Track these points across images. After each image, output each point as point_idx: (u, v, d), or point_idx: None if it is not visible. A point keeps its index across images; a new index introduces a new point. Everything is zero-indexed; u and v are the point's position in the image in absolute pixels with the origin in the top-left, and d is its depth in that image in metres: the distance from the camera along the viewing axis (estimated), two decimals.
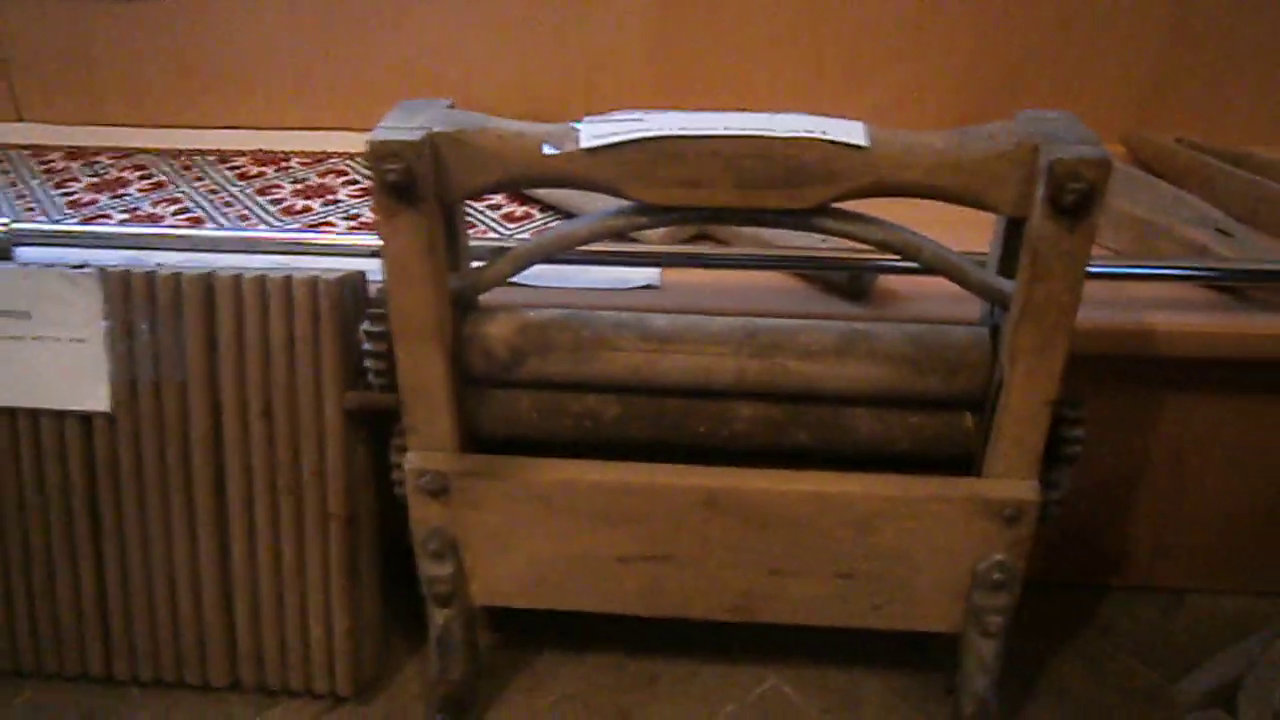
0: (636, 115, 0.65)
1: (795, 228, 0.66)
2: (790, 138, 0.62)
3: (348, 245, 0.86)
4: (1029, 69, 1.16)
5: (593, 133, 0.64)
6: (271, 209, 1.03)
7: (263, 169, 1.13)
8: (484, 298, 0.76)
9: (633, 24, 1.17)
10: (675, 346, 0.72)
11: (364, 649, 0.87)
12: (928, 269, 0.68)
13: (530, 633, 0.92)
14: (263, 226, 0.99)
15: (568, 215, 1.00)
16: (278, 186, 1.09)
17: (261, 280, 0.78)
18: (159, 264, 0.81)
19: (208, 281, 0.79)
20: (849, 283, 0.83)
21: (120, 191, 1.08)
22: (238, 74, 1.23)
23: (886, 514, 0.73)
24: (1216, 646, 0.86)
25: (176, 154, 1.17)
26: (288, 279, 0.78)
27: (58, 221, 1.00)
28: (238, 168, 1.14)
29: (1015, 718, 0.86)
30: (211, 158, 1.17)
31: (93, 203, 1.05)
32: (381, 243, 0.67)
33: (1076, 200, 0.60)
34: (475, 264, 0.75)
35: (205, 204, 1.04)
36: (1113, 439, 0.90)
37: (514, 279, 0.84)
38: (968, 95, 1.15)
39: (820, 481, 0.73)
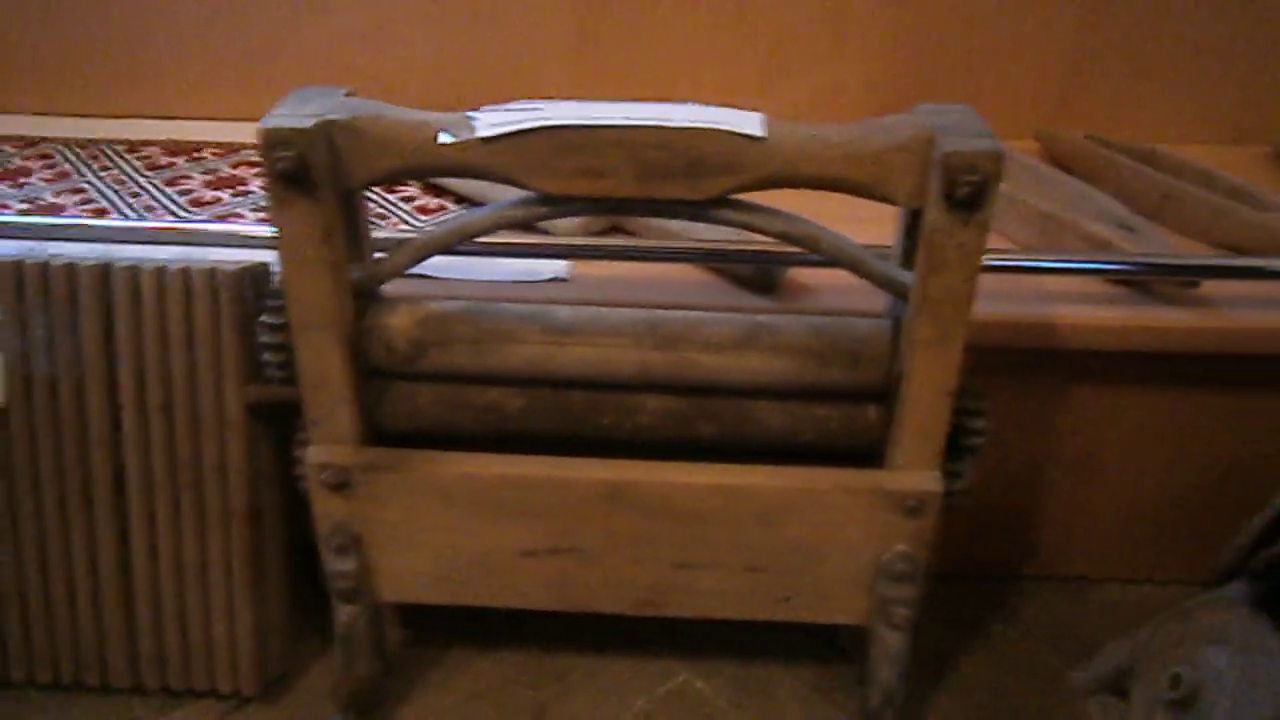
0: (535, 105, 0.64)
1: (696, 218, 0.66)
2: (690, 128, 0.62)
3: (251, 236, 0.84)
4: (945, 67, 1.17)
5: (490, 122, 0.63)
6: (180, 200, 1.01)
7: (173, 159, 1.11)
8: (390, 289, 0.75)
9: (556, 13, 1.17)
10: (577, 339, 0.72)
11: (269, 647, 0.85)
12: (827, 260, 0.68)
13: (441, 629, 0.91)
14: (168, 218, 0.96)
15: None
16: (187, 177, 1.06)
17: (159, 272, 0.76)
18: (53, 255, 0.78)
19: (104, 273, 0.77)
20: (758, 276, 0.83)
21: (22, 181, 1.05)
22: (151, 63, 1.20)
23: (791, 506, 0.73)
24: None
25: (84, 143, 1.14)
26: (185, 270, 0.76)
27: None
28: (147, 158, 1.11)
29: (924, 707, 0.87)
30: (121, 147, 1.14)
31: None
32: (276, 232, 0.66)
33: (970, 193, 0.61)
34: (380, 255, 0.74)
35: (111, 194, 1.02)
36: (1020, 430, 0.91)
37: (426, 271, 0.84)
38: (886, 93, 1.16)
39: (725, 474, 0.73)
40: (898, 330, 0.71)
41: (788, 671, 0.90)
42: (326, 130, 0.63)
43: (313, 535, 0.78)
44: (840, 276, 0.76)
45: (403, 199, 1.02)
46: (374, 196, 1.02)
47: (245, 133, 1.17)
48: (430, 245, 0.69)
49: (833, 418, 0.73)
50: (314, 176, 0.63)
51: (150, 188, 1.03)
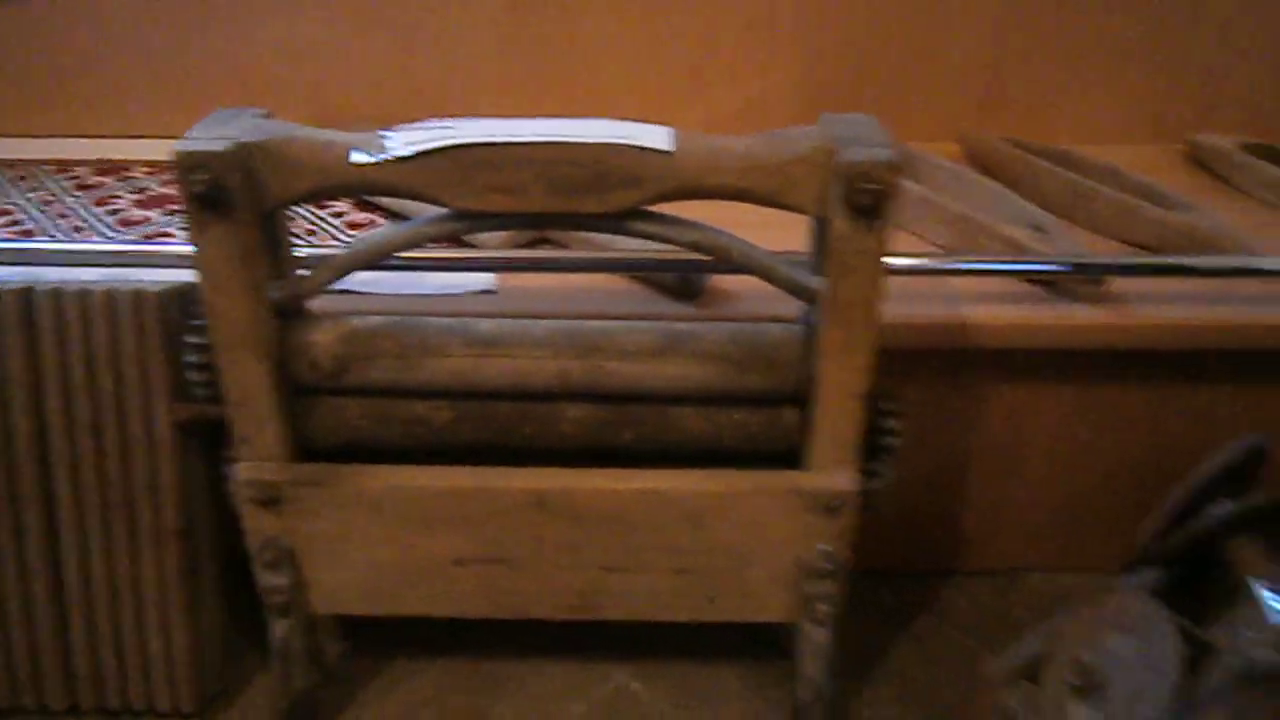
0: (447, 123, 0.65)
1: (609, 231, 0.68)
2: (597, 144, 0.64)
3: (179, 255, 0.84)
4: (872, 72, 1.19)
5: (402, 141, 0.64)
6: (108, 220, 1.01)
7: (103, 179, 1.11)
8: (319, 305, 0.76)
9: (483, 27, 1.18)
10: (500, 351, 0.73)
11: (207, 663, 0.86)
12: (738, 269, 0.70)
13: (380, 639, 0.92)
14: (95, 239, 0.97)
15: None
16: (117, 197, 1.06)
17: (83, 293, 0.77)
18: None
19: (27, 296, 0.77)
20: (680, 284, 0.84)
21: None
22: (83, 81, 1.20)
23: (714, 509, 0.75)
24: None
25: (12, 163, 1.14)
26: (109, 292, 0.76)
27: None
28: (76, 177, 1.11)
29: (854, 701, 0.89)
30: (50, 167, 1.13)
31: None
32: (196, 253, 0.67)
33: (869, 201, 0.63)
34: (304, 272, 0.75)
35: (38, 215, 1.01)
36: (944, 428, 0.94)
37: (353, 287, 0.85)
38: (811, 101, 1.19)
39: (648, 480, 0.75)
40: (811, 335, 0.73)
41: (724, 670, 0.92)
42: (241, 153, 0.64)
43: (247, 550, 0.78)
44: (762, 282, 0.78)
45: (333, 214, 1.02)
46: (304, 212, 1.03)
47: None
48: (350, 263, 0.70)
49: (752, 421, 0.75)
50: (230, 199, 0.64)
51: (79, 208, 1.03)
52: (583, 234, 0.89)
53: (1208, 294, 0.88)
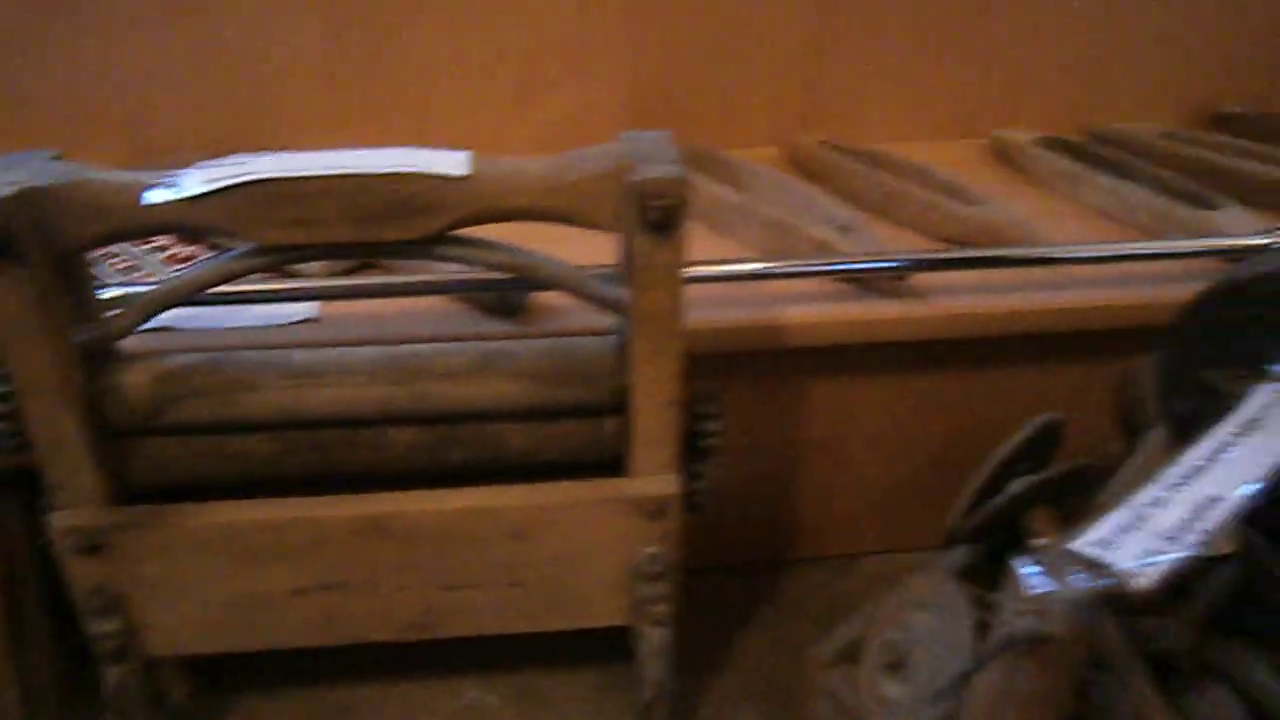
0: (241, 159, 0.66)
1: (415, 257, 0.69)
2: (392, 173, 0.65)
3: None
4: (692, 82, 1.23)
5: (197, 179, 0.64)
6: None
7: None
8: (133, 344, 0.75)
9: (305, 55, 1.17)
10: (319, 380, 0.73)
11: (39, 716, 0.84)
12: (548, 286, 0.72)
13: (227, 676, 0.91)
14: None
15: None
16: None
17: None
18: None
19: None
20: (500, 302, 0.86)
21: None
22: None
23: (542, 522, 0.77)
24: None
25: None
26: None
27: None
28: None
29: (701, 695, 0.92)
30: None
31: None
32: None
33: (661, 216, 0.66)
34: (116, 312, 0.74)
35: None
36: (772, 426, 0.98)
37: (170, 324, 0.84)
38: (633, 113, 1.21)
39: (476, 497, 0.76)
40: (623, 346, 0.75)
41: (572, 676, 0.94)
42: (28, 198, 0.63)
43: None
44: None
45: (154, 248, 1.01)
46: (122, 248, 1.01)
47: None
48: (156, 302, 0.70)
49: (574, 433, 0.77)
50: (18, 246, 0.63)
51: None
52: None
53: (1005, 283, 0.94)
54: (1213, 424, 0.64)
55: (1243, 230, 0.95)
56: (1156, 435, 0.82)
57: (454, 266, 0.85)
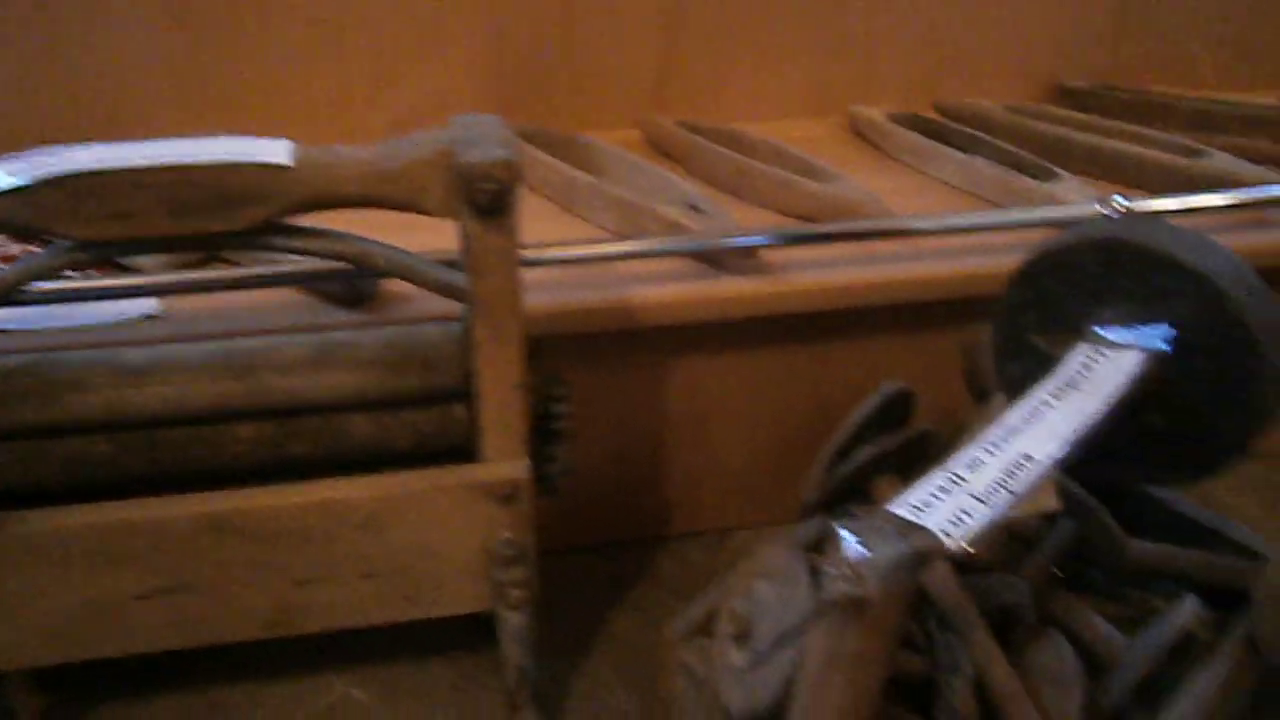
0: (53, 152, 0.63)
1: (243, 248, 0.68)
2: (211, 164, 0.63)
3: None
4: (550, 64, 1.22)
5: (2, 173, 0.62)
6: None
7: None
8: None
9: (152, 42, 1.14)
10: (150, 378, 0.72)
11: None
12: (386, 274, 0.71)
13: (84, 687, 0.89)
14: None
15: None
16: None
17: None
18: None
19: None
20: (346, 292, 0.85)
21: None
22: None
23: (391, 512, 0.76)
24: None
25: None
26: None
27: None
28: None
29: (571, 674, 0.93)
30: None
31: None
32: None
33: (490, 200, 0.65)
34: None
35: None
36: (635, 404, 0.98)
37: (3, 325, 0.81)
38: (495, 93, 1.21)
39: (320, 490, 0.75)
40: (466, 332, 0.75)
41: (442, 664, 0.93)
42: None
43: None
44: None
45: None
46: None
47: None
48: None
49: (423, 421, 0.77)
50: None
51: None
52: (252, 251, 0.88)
53: (856, 257, 0.96)
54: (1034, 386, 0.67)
55: (1078, 200, 0.99)
56: (996, 400, 0.85)
57: (298, 257, 0.84)
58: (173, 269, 0.88)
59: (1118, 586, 0.85)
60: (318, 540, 0.76)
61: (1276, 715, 0.75)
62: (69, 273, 0.82)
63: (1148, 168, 1.10)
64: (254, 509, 0.74)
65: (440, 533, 0.78)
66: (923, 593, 0.75)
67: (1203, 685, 0.71)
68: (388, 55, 1.18)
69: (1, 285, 0.66)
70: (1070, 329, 0.73)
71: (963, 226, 0.94)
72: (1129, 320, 0.71)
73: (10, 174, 0.62)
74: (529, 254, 0.84)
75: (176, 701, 0.90)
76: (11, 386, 0.70)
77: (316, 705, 0.90)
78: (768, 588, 0.69)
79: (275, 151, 0.65)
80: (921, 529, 0.54)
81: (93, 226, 0.64)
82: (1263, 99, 1.35)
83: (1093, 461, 0.72)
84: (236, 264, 0.91)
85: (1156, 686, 0.73)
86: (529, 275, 0.87)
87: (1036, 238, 0.99)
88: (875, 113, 1.23)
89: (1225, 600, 0.76)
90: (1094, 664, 0.75)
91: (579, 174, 1.02)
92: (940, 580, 0.75)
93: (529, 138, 1.11)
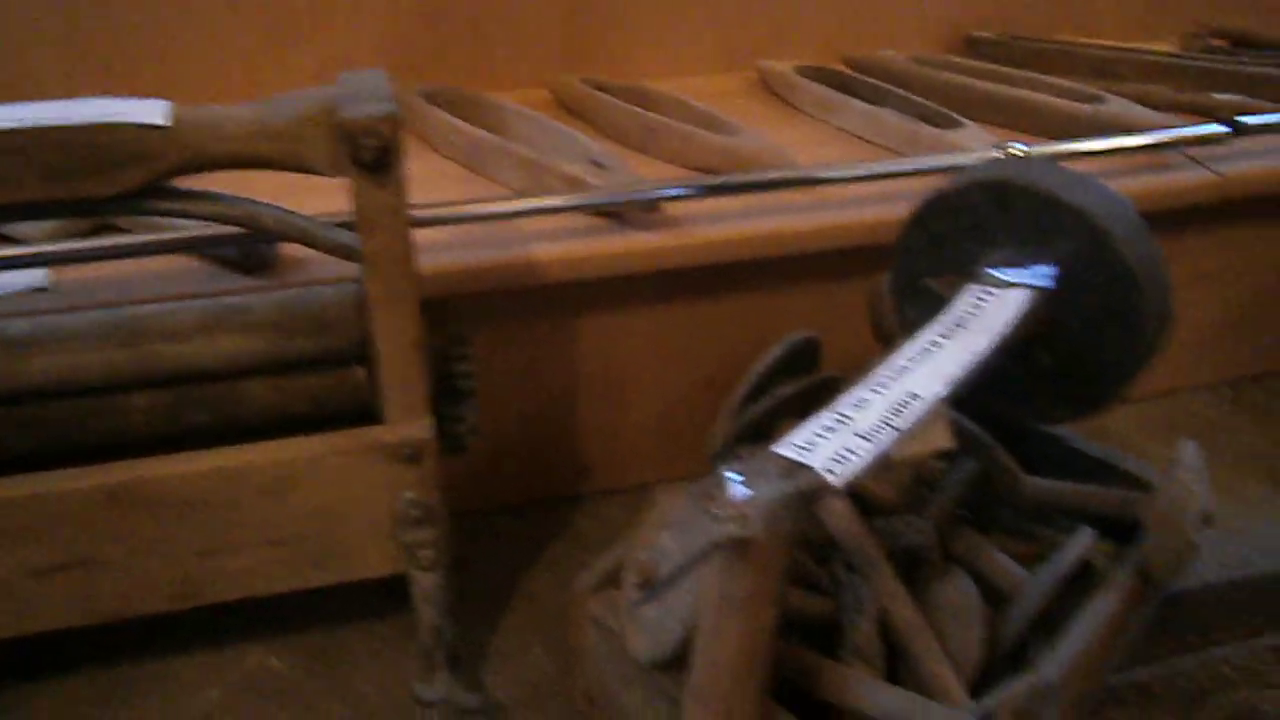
0: None
1: (125, 213, 0.66)
2: (85, 125, 0.62)
3: None
4: (456, 26, 1.21)
5: None
6: None
7: None
8: None
9: (37, 2, 1.10)
10: (37, 350, 0.70)
11: None
12: (275, 237, 0.70)
13: None
14: None
15: None
16: None
17: None
18: None
19: None
20: (244, 257, 0.84)
21: None
22: None
23: (294, 477, 0.75)
24: None
25: None
26: None
27: None
28: None
29: (490, 633, 0.93)
30: None
31: None
32: None
33: (375, 156, 0.64)
34: None
35: None
36: (546, 362, 0.98)
37: None
38: (398, 57, 1.19)
39: (219, 458, 0.74)
40: (361, 293, 0.74)
41: (361, 629, 0.93)
42: None
43: None
44: None
45: None
46: None
47: None
48: None
49: (323, 385, 0.76)
50: None
51: None
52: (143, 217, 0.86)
53: (762, 207, 0.96)
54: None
55: (978, 147, 1.00)
56: (899, 344, 0.86)
57: (190, 222, 0.83)
58: (62, 239, 0.85)
59: (1022, 524, 0.87)
60: (220, 509, 0.75)
61: (1168, 639, 0.78)
62: None
63: (1048, 114, 1.11)
64: (153, 479, 0.73)
65: (344, 496, 0.77)
66: (829, 536, 0.76)
67: (1097, 612, 0.73)
68: (286, 17, 1.15)
69: None
70: (962, 271, 0.74)
71: (864, 175, 0.95)
72: (1018, 261, 0.73)
73: None
74: (424, 213, 0.83)
75: (85, 680, 0.88)
76: None
77: (233, 675, 0.89)
78: (669, 537, 0.70)
79: (151, 111, 0.63)
80: (805, 468, 0.55)
81: None
82: (1163, 47, 1.37)
83: (986, 400, 0.74)
84: (127, 230, 0.89)
85: (1056, 617, 0.75)
86: (431, 236, 0.87)
87: (937, 185, 1.01)
88: (784, 67, 1.23)
89: (1121, 531, 0.78)
90: (996, 598, 0.76)
91: (484, 134, 1.01)
92: (845, 523, 0.76)
93: (434, 99, 1.10)
